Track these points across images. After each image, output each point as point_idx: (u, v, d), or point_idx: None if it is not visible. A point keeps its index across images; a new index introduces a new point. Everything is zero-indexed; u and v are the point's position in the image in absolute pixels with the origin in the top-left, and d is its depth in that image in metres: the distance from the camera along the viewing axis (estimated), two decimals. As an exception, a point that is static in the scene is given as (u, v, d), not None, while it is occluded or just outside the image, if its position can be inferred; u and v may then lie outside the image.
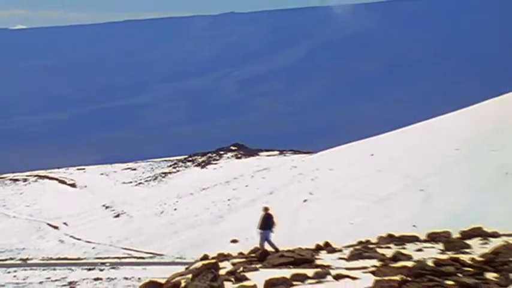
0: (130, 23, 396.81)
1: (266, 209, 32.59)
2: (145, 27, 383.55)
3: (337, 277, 24.08)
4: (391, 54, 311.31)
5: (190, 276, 26.53)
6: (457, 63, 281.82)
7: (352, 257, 28.17)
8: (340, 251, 30.40)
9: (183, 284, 25.94)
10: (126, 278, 64.75)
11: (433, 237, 31.54)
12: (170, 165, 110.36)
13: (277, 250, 30.14)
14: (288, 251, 29.03)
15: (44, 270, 72.69)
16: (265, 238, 31.37)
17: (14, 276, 70.09)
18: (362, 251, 29.28)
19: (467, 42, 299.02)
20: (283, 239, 33.84)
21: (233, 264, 28.35)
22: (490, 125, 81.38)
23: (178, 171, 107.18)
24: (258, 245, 31.47)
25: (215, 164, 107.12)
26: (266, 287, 23.24)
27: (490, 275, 22.66)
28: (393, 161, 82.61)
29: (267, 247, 30.88)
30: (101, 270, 71.65)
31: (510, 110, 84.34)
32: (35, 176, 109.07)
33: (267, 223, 31.87)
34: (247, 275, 25.44)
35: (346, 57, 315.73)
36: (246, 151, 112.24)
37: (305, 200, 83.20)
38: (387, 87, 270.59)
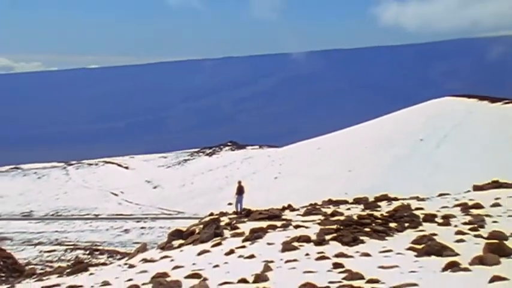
0: (159, 64, 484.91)
1: (239, 182, 38.07)
2: (169, 66, 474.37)
3: (296, 226, 28.48)
4: (328, 85, 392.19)
5: (201, 226, 31.86)
6: (368, 92, 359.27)
7: (305, 213, 32.43)
8: (297, 210, 34.37)
9: (197, 231, 31.25)
10: (160, 227, 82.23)
11: (357, 201, 35.18)
12: (188, 155, 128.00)
13: (241, 212, 34.79)
14: (265, 210, 33.32)
15: (108, 222, 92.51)
16: (238, 201, 36.34)
17: (90, 225, 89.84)
18: (312, 210, 33.37)
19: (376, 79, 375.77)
20: (261, 203, 39.20)
21: (229, 218, 32.97)
22: (389, 129, 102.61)
23: (194, 158, 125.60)
24: (234, 207, 36.48)
25: (217, 154, 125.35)
26: (250, 233, 27.96)
27: (392, 224, 27.26)
28: (332, 152, 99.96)
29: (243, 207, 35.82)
30: (145, 222, 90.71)
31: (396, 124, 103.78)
32: (103, 161, 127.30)
33: (240, 191, 37.06)
34: (238, 225, 30.42)
35: (301, 86, 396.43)
36: (238, 146, 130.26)
37: (275, 178, 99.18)
38: (327, 106, 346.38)
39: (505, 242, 22.60)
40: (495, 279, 18.04)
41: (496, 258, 20.77)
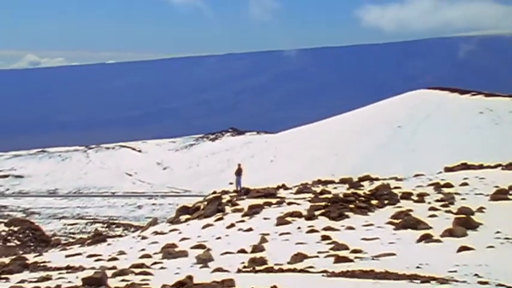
0: (169, 60, 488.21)
1: (239, 164, 38.16)
2: (178, 62, 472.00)
3: (289, 203, 28.48)
4: (317, 79, 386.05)
5: (205, 202, 31.76)
6: (353, 86, 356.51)
7: (297, 192, 32.25)
8: (290, 189, 34.04)
9: (202, 207, 31.04)
10: (169, 204, 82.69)
11: (343, 181, 34.72)
12: (194, 140, 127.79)
13: (241, 190, 34.33)
14: (261, 189, 32.99)
15: (123, 199, 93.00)
16: (238, 181, 35.96)
17: (107, 202, 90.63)
18: (303, 188, 33.12)
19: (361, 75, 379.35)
20: (258, 183, 39.21)
21: (230, 196, 32.66)
22: (371, 117, 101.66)
23: (199, 143, 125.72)
24: (235, 186, 36.11)
25: (220, 139, 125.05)
26: (249, 209, 28.05)
27: (374, 201, 27.23)
28: (320, 138, 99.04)
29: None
30: (156, 199, 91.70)
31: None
32: (119, 145, 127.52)
33: (239, 172, 36.64)
34: (238, 202, 30.32)
35: (293, 79, 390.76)
36: (238, 132, 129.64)
37: (271, 160, 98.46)
38: (317, 97, 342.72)
39: (472, 216, 22.89)
40: (462, 249, 18.32)
41: (463, 231, 21.10)
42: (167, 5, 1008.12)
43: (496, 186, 29.32)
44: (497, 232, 20.75)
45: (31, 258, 24.63)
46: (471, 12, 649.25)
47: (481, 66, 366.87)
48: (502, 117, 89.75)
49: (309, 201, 28.52)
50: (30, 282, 15.90)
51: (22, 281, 16.17)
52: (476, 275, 15.06)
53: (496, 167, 37.01)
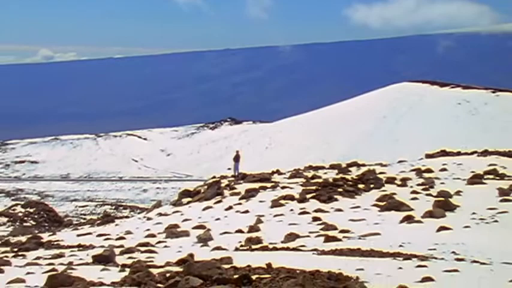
0: (171, 55, 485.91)
1: (237, 151, 38.22)
2: (179, 56, 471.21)
3: (283, 187, 28.53)
4: (309, 72, 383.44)
5: (206, 186, 31.81)
6: (342, 79, 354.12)
7: (290, 177, 32.32)
8: (284, 174, 34.28)
9: (202, 191, 31.02)
10: (172, 188, 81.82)
11: (332, 166, 35.07)
12: (195, 129, 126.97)
13: (238, 175, 34.33)
14: (257, 174, 33.01)
15: (130, 183, 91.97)
16: (235, 166, 36.31)
17: (115, 186, 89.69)
18: (295, 174, 33.17)
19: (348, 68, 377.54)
20: (254, 168, 39.27)
21: (228, 181, 32.75)
22: (359, 108, 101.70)
23: (199, 132, 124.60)
24: (232, 171, 36.50)
25: (219, 128, 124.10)
26: (246, 192, 28.04)
27: (360, 185, 27.45)
28: (312, 127, 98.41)
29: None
30: (160, 183, 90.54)
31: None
32: (126, 134, 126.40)
33: (237, 159, 36.86)
34: (236, 186, 30.29)
35: (287, 73, 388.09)
36: (235, 121, 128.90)
37: (266, 148, 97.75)
38: (309, 90, 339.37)
39: (450, 199, 23.01)
40: (441, 229, 18.39)
41: (442, 212, 21.15)
42: (171, 5, 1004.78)
43: (472, 172, 29.45)
44: (473, 213, 20.83)
45: (45, 237, 24.65)
46: (450, 11, 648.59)
47: (459, 61, 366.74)
48: (478, 108, 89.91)
49: (301, 185, 28.59)
50: (45, 259, 15.99)
51: (37, 258, 16.29)
52: (453, 252, 15.14)
53: (472, 153, 37.11)
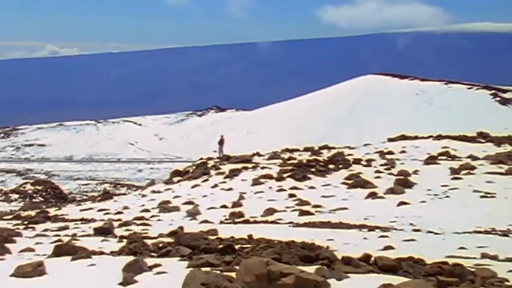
0: (163, 50, 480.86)
1: (222, 136, 37.86)
2: (170, 52, 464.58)
3: (262, 167, 28.23)
4: (286, 66, 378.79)
5: (194, 167, 31.53)
6: (316, 72, 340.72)
7: (269, 158, 32.15)
8: (263, 156, 33.96)
9: (191, 171, 30.75)
10: (165, 168, 79.01)
11: (306, 149, 34.96)
12: (185, 116, 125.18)
13: (222, 157, 33.84)
14: (240, 156, 32.91)
15: (127, 164, 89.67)
16: (220, 149, 35.82)
17: (114, 166, 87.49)
18: (273, 155, 33.06)
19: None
20: (237, 151, 39.15)
21: (214, 162, 32.24)
22: (330, 97, 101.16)
23: (188, 118, 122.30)
24: (218, 153, 35.78)
25: (205, 115, 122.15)
26: (229, 172, 27.77)
27: (331, 166, 27.26)
28: (288, 114, 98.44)
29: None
30: (153, 164, 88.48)
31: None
32: (123, 120, 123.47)
33: (222, 142, 36.58)
34: (221, 166, 29.97)
35: (266, 67, 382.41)
36: (220, 109, 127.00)
37: (248, 132, 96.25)
38: (286, 82, 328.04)
39: (408, 177, 23.18)
40: (401, 204, 18.57)
41: (402, 189, 21.34)
42: (162, 5, 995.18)
43: (428, 153, 29.58)
44: (428, 190, 21.08)
45: (52, 211, 24.43)
46: (408, 12, 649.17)
47: (417, 56, 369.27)
48: (433, 98, 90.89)
49: (279, 166, 28.47)
50: (52, 231, 15.90)
51: (45, 230, 16.19)
52: (411, 224, 15.31)
53: (428, 138, 37.30)
